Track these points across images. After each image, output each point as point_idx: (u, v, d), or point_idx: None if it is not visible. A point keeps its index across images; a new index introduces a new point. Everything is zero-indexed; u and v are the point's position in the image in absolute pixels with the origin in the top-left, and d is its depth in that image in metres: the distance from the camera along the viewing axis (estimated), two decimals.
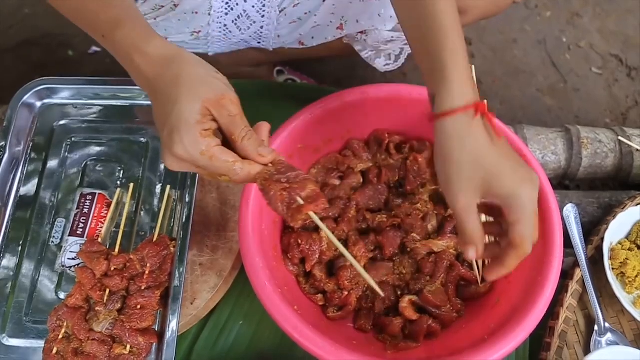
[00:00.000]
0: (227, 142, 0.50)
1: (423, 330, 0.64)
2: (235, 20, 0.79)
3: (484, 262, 0.70)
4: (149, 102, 0.77)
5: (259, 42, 0.85)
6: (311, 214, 0.50)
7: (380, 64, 0.86)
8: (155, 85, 0.50)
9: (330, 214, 0.71)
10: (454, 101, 0.50)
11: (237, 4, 0.77)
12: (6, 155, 0.73)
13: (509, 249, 0.49)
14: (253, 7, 0.78)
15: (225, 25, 0.80)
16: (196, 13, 0.77)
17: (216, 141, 0.48)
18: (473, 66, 0.75)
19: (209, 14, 0.77)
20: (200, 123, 0.47)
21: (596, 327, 0.72)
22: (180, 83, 0.48)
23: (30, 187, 0.74)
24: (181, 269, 0.64)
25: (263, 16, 0.80)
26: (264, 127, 0.53)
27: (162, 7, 0.77)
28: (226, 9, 0.77)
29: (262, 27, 0.82)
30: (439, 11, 0.52)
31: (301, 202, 0.50)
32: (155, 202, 0.72)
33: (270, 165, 0.51)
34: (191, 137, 0.47)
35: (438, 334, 0.64)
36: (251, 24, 0.81)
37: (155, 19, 0.78)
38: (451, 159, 0.49)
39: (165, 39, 0.53)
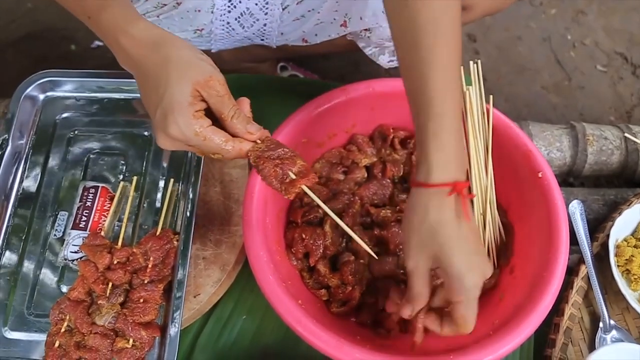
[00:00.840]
0: (216, 122, 0.52)
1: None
2: (238, 17, 0.79)
3: (488, 257, 0.70)
4: None
5: (262, 40, 0.85)
6: (304, 187, 0.54)
7: (385, 61, 0.86)
8: (142, 67, 0.52)
9: (335, 208, 0.70)
10: (430, 176, 0.51)
11: (240, 2, 0.77)
12: (9, 148, 0.73)
13: (450, 322, 0.53)
14: (256, 4, 0.78)
15: (228, 23, 0.79)
16: (199, 11, 0.77)
17: (208, 122, 0.50)
18: (479, 62, 0.75)
19: (212, 12, 0.77)
20: (192, 105, 0.49)
21: (601, 324, 0.72)
22: (169, 66, 0.50)
23: (32, 180, 0.73)
24: (184, 263, 0.64)
25: (266, 14, 0.79)
26: (245, 102, 0.55)
27: (165, 5, 0.76)
28: (229, 6, 0.77)
29: (265, 25, 0.81)
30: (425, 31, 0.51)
31: (293, 176, 0.54)
32: (159, 195, 0.72)
33: (259, 142, 0.54)
34: (185, 118, 0.49)
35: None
36: (254, 22, 0.81)
37: (157, 16, 0.78)
38: (412, 223, 0.52)
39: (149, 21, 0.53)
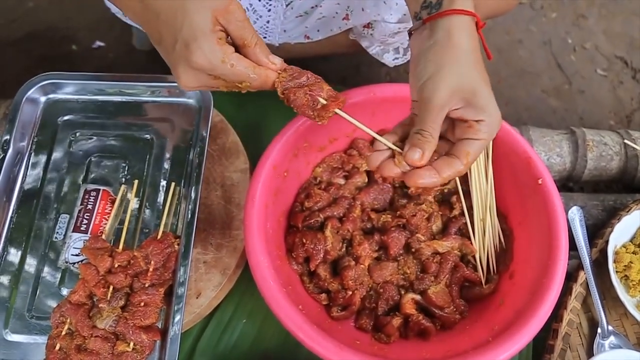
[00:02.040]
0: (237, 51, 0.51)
1: (416, 327, 0.64)
2: None
3: (488, 263, 0.70)
4: (154, 99, 0.78)
5: (264, 37, 0.85)
6: (338, 111, 0.54)
7: (389, 59, 0.86)
8: (154, 4, 0.50)
9: (335, 213, 0.71)
10: (457, 2, 0.49)
11: None
12: (10, 150, 0.73)
13: (449, 163, 0.49)
14: (259, 0, 0.77)
15: None
16: None
17: (232, 48, 0.49)
18: None
19: None
20: (214, 32, 0.48)
21: (599, 330, 0.72)
22: None
23: (34, 183, 0.73)
24: (185, 267, 0.64)
25: (269, 10, 0.79)
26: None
27: None
28: None
29: (268, 22, 0.81)
30: None
31: (323, 102, 0.53)
32: (160, 199, 0.72)
33: (283, 72, 0.53)
34: (210, 44, 0.47)
35: (432, 333, 0.64)
36: (257, 18, 0.80)
37: None
38: (445, 52, 0.48)
39: None
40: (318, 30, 0.84)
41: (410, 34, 0.54)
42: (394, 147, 0.52)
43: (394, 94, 0.72)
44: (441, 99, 0.48)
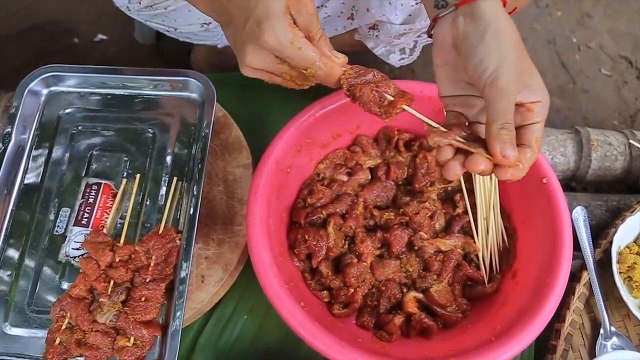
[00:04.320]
0: None
1: (418, 325, 0.64)
2: None
3: (491, 262, 0.70)
4: (157, 93, 0.77)
5: None
6: (406, 107, 0.52)
7: (395, 59, 0.85)
8: None
9: (338, 210, 0.70)
10: None
11: None
12: (11, 143, 0.72)
13: (523, 149, 0.47)
14: None
15: None
16: None
17: (301, 33, 0.49)
18: None
19: None
20: (286, 15, 0.48)
21: (602, 331, 0.72)
22: None
23: (35, 176, 0.73)
24: (187, 262, 0.64)
25: None
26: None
27: None
28: None
29: None
30: None
31: (391, 98, 0.52)
32: (162, 193, 0.71)
33: (349, 69, 0.52)
34: (282, 25, 0.48)
35: (434, 332, 0.64)
36: None
37: (165, 8, 0.77)
38: (508, 35, 0.46)
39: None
40: (323, 29, 0.83)
41: (434, 20, 0.53)
42: (480, 152, 0.47)
43: None
44: (516, 86, 0.46)
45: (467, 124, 0.53)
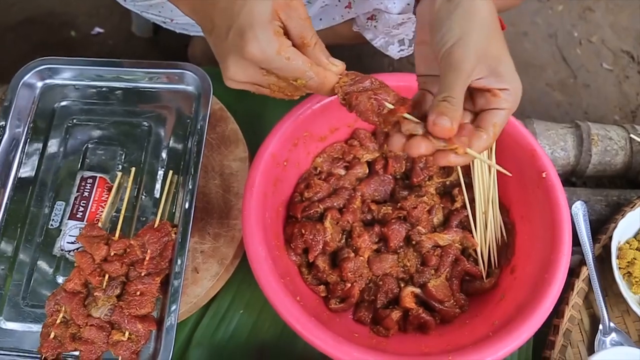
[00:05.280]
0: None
1: (415, 320, 0.63)
2: None
3: (489, 257, 0.69)
4: (153, 85, 0.76)
5: None
6: (407, 115, 0.47)
7: (394, 51, 0.84)
8: None
9: (335, 204, 0.69)
10: None
11: None
12: (6, 136, 0.72)
13: (478, 132, 0.46)
14: None
15: None
16: None
17: (289, 42, 0.46)
18: None
19: None
20: (272, 23, 0.45)
21: (601, 327, 0.71)
22: None
23: (29, 169, 0.72)
24: (182, 256, 0.63)
25: None
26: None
27: None
28: None
29: None
30: None
31: (390, 106, 0.48)
32: (157, 187, 0.71)
33: (344, 76, 0.49)
34: (266, 34, 0.44)
35: (432, 327, 0.64)
36: None
37: None
38: (479, 15, 0.45)
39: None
40: (320, 19, 0.82)
41: (416, 1, 0.52)
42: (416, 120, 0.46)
43: (396, 84, 0.70)
44: (471, 63, 0.45)
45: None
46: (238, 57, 0.45)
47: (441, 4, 0.48)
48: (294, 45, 0.47)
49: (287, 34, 0.47)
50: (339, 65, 0.49)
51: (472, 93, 0.48)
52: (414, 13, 0.53)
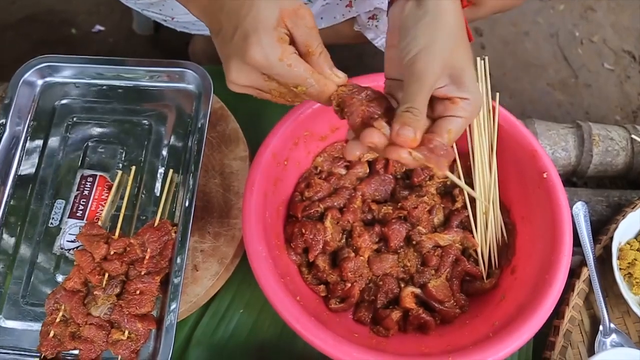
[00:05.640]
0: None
1: (415, 320, 0.63)
2: None
3: (490, 258, 0.69)
4: (153, 84, 0.76)
5: None
6: (382, 123, 0.46)
7: None
8: None
9: (335, 203, 0.69)
10: None
11: None
12: (6, 134, 0.71)
13: (435, 138, 0.45)
14: None
15: None
16: None
17: (292, 49, 0.46)
18: (486, 59, 0.74)
19: None
20: (277, 30, 0.45)
21: (601, 328, 0.71)
22: None
23: (29, 167, 0.72)
24: (182, 255, 0.63)
25: None
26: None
27: None
28: None
29: None
30: None
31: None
32: (157, 186, 0.70)
33: (342, 87, 0.49)
34: (270, 40, 0.44)
35: (432, 328, 0.64)
36: None
37: None
38: (445, 25, 0.46)
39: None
40: (322, 18, 0.82)
41: (390, 3, 0.52)
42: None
43: None
44: (435, 74, 0.45)
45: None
46: (240, 61, 0.46)
47: (410, 10, 0.48)
48: (298, 53, 0.47)
49: (292, 41, 0.47)
50: (341, 77, 0.49)
51: (431, 100, 0.48)
52: (387, 16, 0.52)
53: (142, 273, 0.63)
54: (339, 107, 0.49)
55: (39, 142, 0.73)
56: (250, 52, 0.44)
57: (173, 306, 0.61)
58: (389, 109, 0.49)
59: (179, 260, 0.63)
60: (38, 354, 0.60)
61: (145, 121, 0.75)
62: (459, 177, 0.72)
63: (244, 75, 0.47)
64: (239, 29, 0.45)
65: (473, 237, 0.69)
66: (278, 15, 0.45)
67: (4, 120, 0.72)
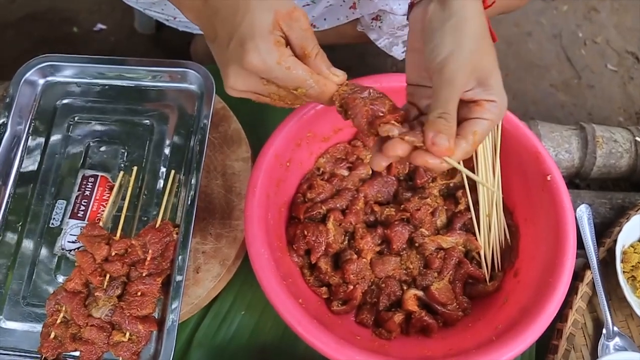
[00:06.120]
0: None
1: (418, 323, 0.63)
2: None
3: (492, 260, 0.69)
4: (155, 84, 0.76)
5: None
6: (394, 124, 0.46)
7: (398, 52, 0.84)
8: (215, 1, 0.47)
9: (338, 205, 0.69)
10: None
11: None
12: (7, 133, 0.71)
13: (457, 140, 0.45)
14: None
15: None
16: None
17: (289, 51, 0.46)
18: None
19: None
20: (273, 33, 0.45)
21: (604, 331, 0.71)
22: None
23: (31, 167, 0.72)
24: (184, 257, 0.63)
25: None
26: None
27: None
28: None
29: None
30: None
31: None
32: (159, 186, 0.70)
33: (344, 86, 0.49)
34: (267, 45, 0.44)
35: (434, 330, 0.63)
36: None
37: None
38: (471, 27, 0.46)
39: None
40: (325, 19, 0.81)
41: (411, 6, 0.51)
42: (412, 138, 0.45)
43: (400, 84, 0.69)
44: (465, 78, 0.45)
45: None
46: (238, 67, 0.45)
47: (433, 13, 0.47)
48: (295, 55, 0.47)
49: (288, 44, 0.47)
50: (340, 76, 0.48)
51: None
52: (407, 19, 0.52)
53: (144, 274, 0.62)
54: (342, 107, 0.49)
55: (40, 142, 0.73)
56: (248, 58, 0.44)
57: (174, 308, 0.61)
58: (394, 107, 0.48)
59: (180, 261, 0.63)
60: (39, 356, 0.60)
61: (147, 121, 0.74)
62: (462, 179, 0.71)
63: (243, 80, 0.47)
64: (235, 36, 0.45)
65: (476, 239, 0.68)
66: (273, 19, 0.45)
67: (4, 120, 0.71)
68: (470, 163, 0.71)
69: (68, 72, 0.76)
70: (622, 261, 0.73)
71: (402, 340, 0.63)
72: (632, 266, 0.72)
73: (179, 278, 0.62)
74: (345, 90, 0.48)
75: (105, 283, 0.62)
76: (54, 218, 0.69)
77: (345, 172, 0.73)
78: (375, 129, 0.47)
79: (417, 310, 0.64)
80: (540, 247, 0.64)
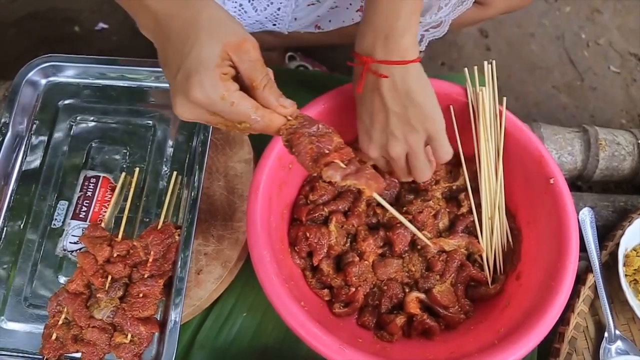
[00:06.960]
0: (244, 91, 0.48)
1: (420, 326, 0.63)
2: None
3: (495, 263, 0.69)
4: (157, 84, 0.76)
5: (274, 25, 0.82)
6: (338, 161, 0.48)
7: None
8: (167, 26, 0.47)
9: (340, 207, 0.69)
10: (412, 52, 0.57)
11: None
12: (9, 133, 0.71)
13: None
14: None
15: (240, 5, 0.77)
16: None
17: (236, 86, 0.46)
18: (493, 62, 0.73)
19: None
20: (219, 66, 0.45)
21: (606, 334, 0.71)
22: (199, 24, 0.45)
23: (32, 167, 0.72)
24: (185, 258, 0.63)
25: None
26: (271, 73, 0.49)
27: None
28: None
29: (279, 9, 0.78)
30: None
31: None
32: (161, 187, 0.70)
33: (291, 118, 0.49)
34: (211, 80, 0.44)
35: (436, 333, 0.63)
36: (268, 4, 0.78)
37: None
38: (425, 95, 0.57)
39: None
40: (330, 21, 0.81)
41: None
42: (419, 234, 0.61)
43: None
44: (418, 144, 0.62)
45: None
46: (184, 99, 0.46)
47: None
48: (243, 87, 0.47)
49: (238, 73, 0.47)
50: (288, 107, 0.49)
51: None
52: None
53: (145, 276, 0.62)
54: (287, 142, 0.49)
55: (42, 142, 0.73)
56: (192, 92, 0.44)
57: (176, 309, 0.61)
58: (341, 145, 0.49)
59: (182, 263, 0.63)
60: (40, 357, 0.60)
61: (149, 122, 0.74)
62: (465, 182, 0.71)
63: (189, 110, 0.47)
64: (182, 67, 0.45)
65: (478, 242, 0.68)
66: (220, 51, 0.45)
67: (7, 120, 0.71)
68: (473, 166, 0.70)
69: (70, 73, 0.76)
70: (624, 264, 0.73)
71: (404, 343, 0.63)
72: (635, 269, 0.72)
73: (180, 279, 0.62)
74: (292, 124, 0.48)
75: (107, 284, 0.62)
76: (55, 219, 0.69)
77: None
78: (320, 167, 0.47)
79: (419, 313, 0.64)
80: (542, 250, 0.64)
